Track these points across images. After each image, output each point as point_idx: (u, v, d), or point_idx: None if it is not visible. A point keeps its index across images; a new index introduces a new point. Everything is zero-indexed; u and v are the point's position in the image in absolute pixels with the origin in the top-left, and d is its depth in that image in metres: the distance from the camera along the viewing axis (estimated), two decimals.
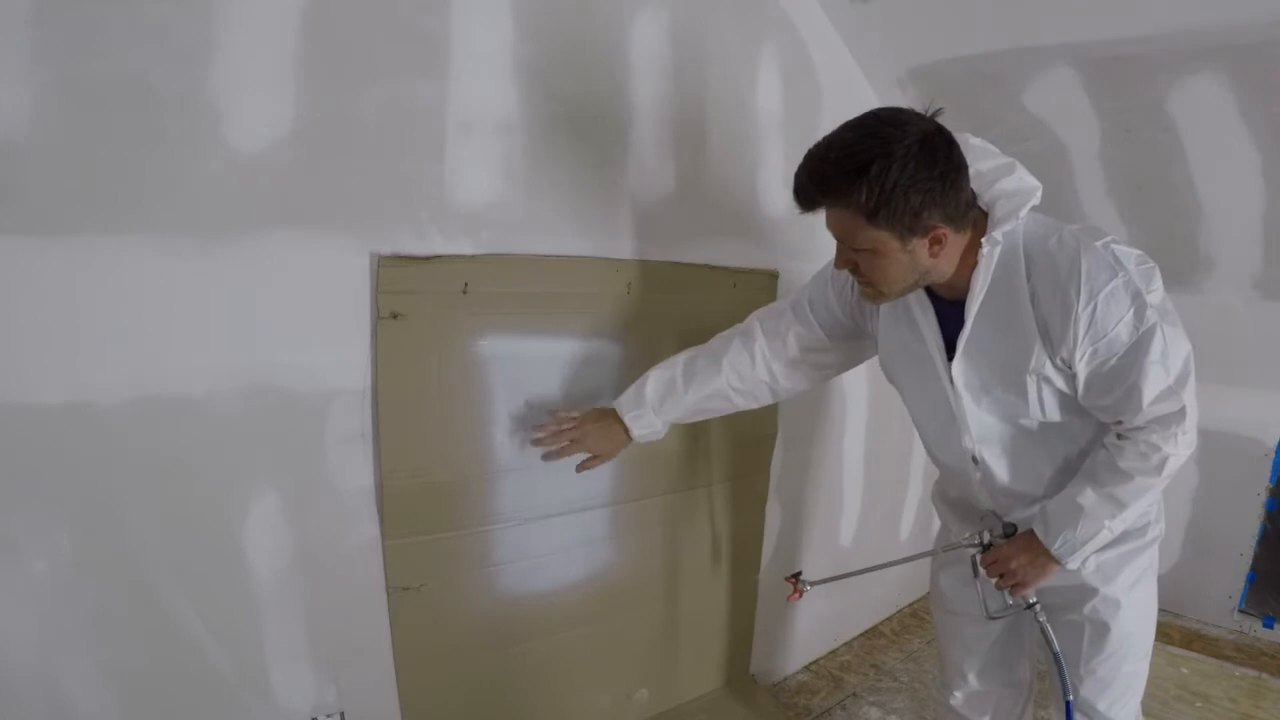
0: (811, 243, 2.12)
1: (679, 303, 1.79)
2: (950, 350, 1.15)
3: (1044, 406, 1.13)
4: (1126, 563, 1.23)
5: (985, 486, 1.26)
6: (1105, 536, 1.12)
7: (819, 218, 1.08)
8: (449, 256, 1.42)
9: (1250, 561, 2.48)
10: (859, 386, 2.35)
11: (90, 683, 1.17)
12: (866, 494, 2.46)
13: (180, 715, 1.28)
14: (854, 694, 2.21)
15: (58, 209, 1.07)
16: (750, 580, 2.09)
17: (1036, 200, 1.08)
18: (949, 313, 1.15)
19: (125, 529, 1.17)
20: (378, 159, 1.33)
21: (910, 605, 2.78)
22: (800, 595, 1.43)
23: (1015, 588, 1.20)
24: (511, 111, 1.48)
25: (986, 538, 1.24)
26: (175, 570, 1.22)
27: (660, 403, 1.38)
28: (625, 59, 1.65)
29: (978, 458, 1.22)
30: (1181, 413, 1.06)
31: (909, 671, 2.34)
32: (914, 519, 2.72)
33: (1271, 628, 2.45)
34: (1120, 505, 1.10)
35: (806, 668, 2.34)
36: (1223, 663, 2.28)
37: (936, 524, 2.80)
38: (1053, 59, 1.81)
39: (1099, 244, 1.04)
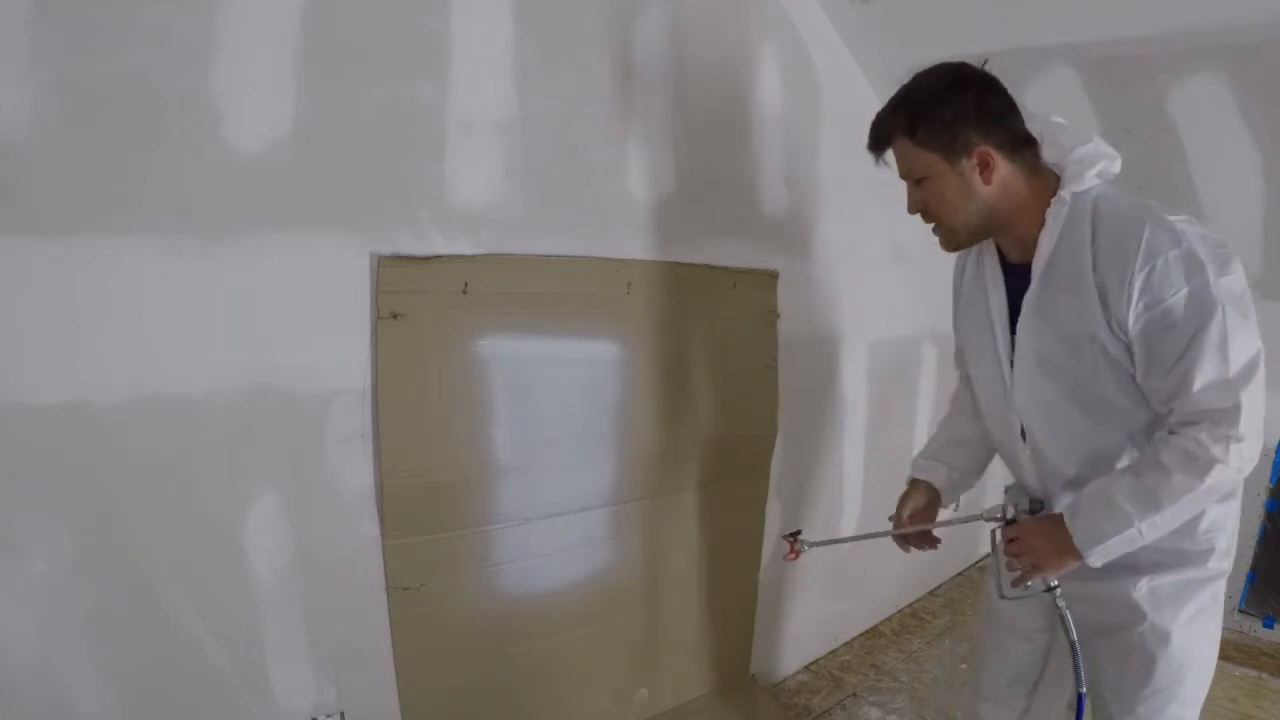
0: (811, 243, 2.12)
1: (679, 303, 1.79)
2: (1016, 318, 1.14)
3: (1099, 378, 1.07)
4: (1183, 594, 1.13)
5: (1033, 464, 1.20)
6: (1133, 538, 1.04)
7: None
8: (449, 256, 1.42)
9: (1250, 561, 2.48)
10: (859, 386, 2.35)
11: (90, 683, 1.17)
12: (866, 494, 2.46)
13: (180, 715, 1.28)
14: (854, 694, 2.21)
15: (58, 209, 1.07)
16: (750, 580, 2.09)
17: (1113, 166, 1.08)
18: (1019, 279, 1.14)
19: (125, 529, 1.17)
20: (378, 159, 1.33)
21: (910, 605, 2.78)
22: (797, 555, 1.42)
23: (1030, 570, 1.14)
24: (511, 111, 1.48)
25: (1011, 512, 1.18)
26: (175, 570, 1.22)
27: (939, 453, 1.42)
28: (626, 59, 1.65)
29: (1026, 430, 1.17)
30: (1235, 411, 0.97)
31: (909, 671, 2.34)
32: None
33: (1271, 628, 2.45)
34: (1154, 505, 1.02)
35: (806, 668, 2.34)
36: (1223, 663, 2.27)
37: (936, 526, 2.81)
38: (1053, 59, 1.81)
39: (1171, 218, 1.01)
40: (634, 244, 1.71)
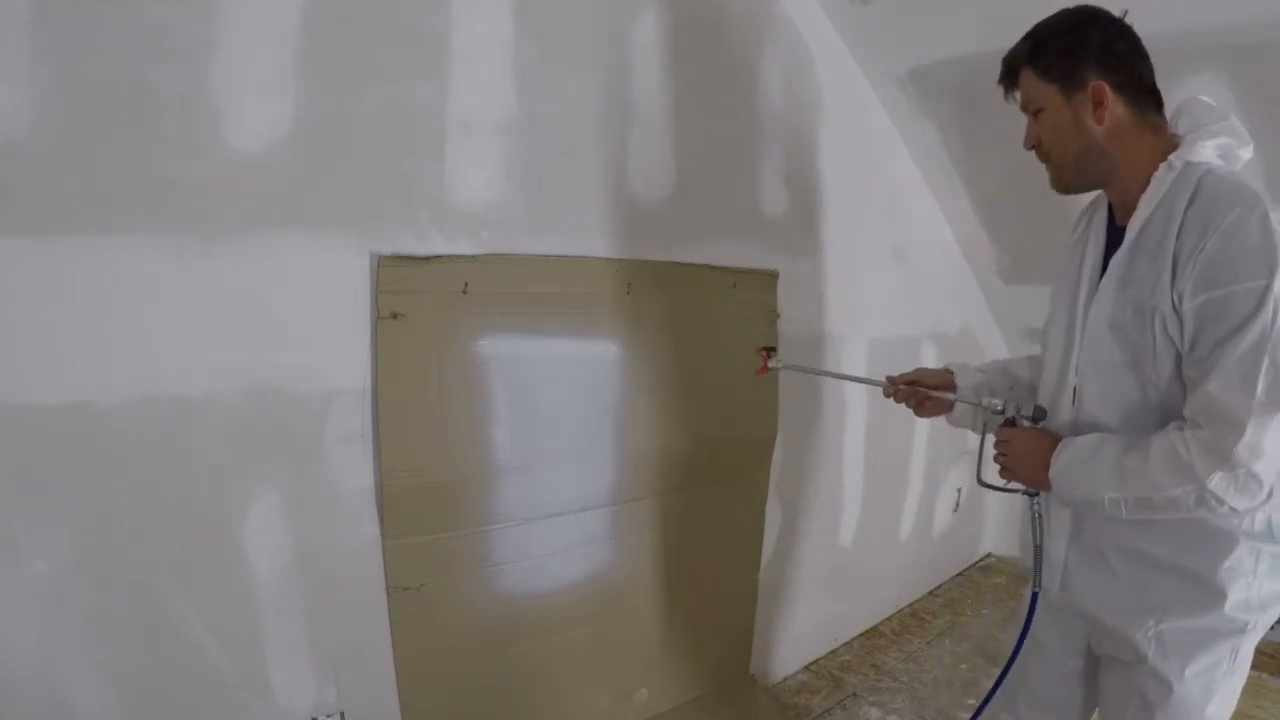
0: (812, 243, 2.12)
1: (679, 303, 1.79)
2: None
3: (1157, 357, 1.02)
4: (1195, 644, 1.06)
5: (1072, 424, 1.15)
6: (1099, 504, 1.04)
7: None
8: (449, 256, 1.42)
9: None
10: (859, 386, 2.35)
11: (90, 683, 1.17)
12: (867, 494, 2.46)
13: (180, 715, 1.28)
14: (854, 694, 2.20)
15: (58, 209, 1.07)
16: (750, 580, 2.09)
17: (1239, 149, 1.04)
18: (1121, 241, 1.11)
19: (125, 529, 1.17)
20: (378, 159, 1.33)
21: (910, 605, 2.78)
22: (767, 370, 1.43)
23: (1003, 469, 1.17)
24: (511, 111, 1.48)
25: (1011, 412, 1.17)
26: (175, 570, 1.22)
27: (985, 368, 1.40)
28: (625, 59, 1.65)
29: (1078, 394, 1.12)
30: (1236, 430, 0.90)
31: (909, 671, 2.34)
32: (914, 519, 2.72)
33: (1272, 628, 2.44)
34: (1120, 487, 1.00)
35: (806, 668, 2.34)
36: None
37: (936, 524, 2.81)
38: None
39: (1274, 214, 0.93)
40: (634, 244, 1.70)
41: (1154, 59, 1.08)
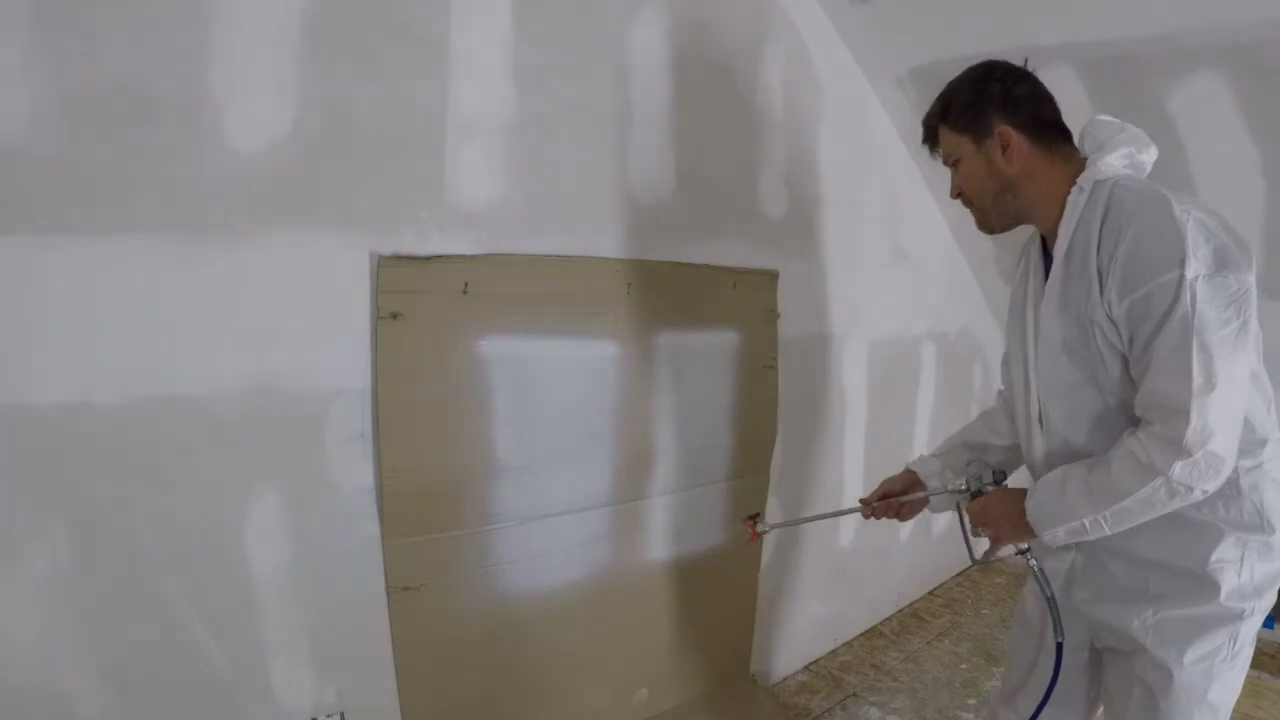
0: (812, 243, 2.12)
1: (679, 303, 1.79)
2: None
3: (1107, 366, 1.05)
4: (1191, 631, 1.07)
5: (1045, 451, 1.17)
6: (1081, 530, 1.05)
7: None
8: (449, 256, 1.42)
9: None
10: (859, 386, 2.35)
11: (90, 683, 1.17)
12: (867, 495, 2.46)
13: (180, 715, 1.27)
14: (854, 694, 2.20)
15: (58, 209, 1.07)
16: (750, 580, 2.09)
17: (1142, 155, 1.08)
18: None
19: (125, 529, 1.17)
20: (378, 159, 1.33)
21: (910, 605, 2.78)
22: (757, 537, 1.46)
23: (993, 541, 1.19)
24: (511, 111, 1.48)
25: (975, 485, 1.22)
26: (175, 570, 1.22)
27: (942, 452, 1.48)
28: (625, 59, 1.65)
29: (1044, 416, 1.15)
30: (1181, 417, 0.92)
31: (909, 671, 2.34)
32: (913, 519, 2.71)
33: (1271, 628, 2.44)
34: (1094, 504, 1.02)
35: (806, 668, 2.34)
36: None
37: (936, 526, 2.82)
38: (1053, 59, 1.80)
39: (1180, 208, 0.97)
40: (634, 244, 1.70)
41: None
